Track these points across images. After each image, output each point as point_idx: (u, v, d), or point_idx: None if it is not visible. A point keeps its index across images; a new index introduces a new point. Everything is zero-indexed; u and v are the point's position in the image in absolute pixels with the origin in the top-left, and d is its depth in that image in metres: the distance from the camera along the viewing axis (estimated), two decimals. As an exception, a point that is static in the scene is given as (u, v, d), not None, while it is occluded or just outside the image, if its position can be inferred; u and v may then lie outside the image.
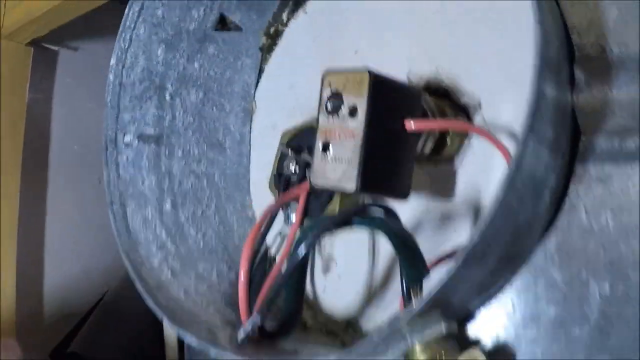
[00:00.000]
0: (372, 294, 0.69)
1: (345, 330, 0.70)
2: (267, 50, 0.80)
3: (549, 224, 0.53)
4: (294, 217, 0.70)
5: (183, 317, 0.63)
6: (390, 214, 0.52)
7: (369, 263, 0.69)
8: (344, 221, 0.50)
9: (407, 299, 0.52)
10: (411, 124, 0.55)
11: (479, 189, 0.62)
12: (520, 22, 0.60)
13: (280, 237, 0.72)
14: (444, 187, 0.64)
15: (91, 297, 1.20)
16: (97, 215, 1.22)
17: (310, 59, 0.77)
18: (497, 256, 0.49)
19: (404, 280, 0.52)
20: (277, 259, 0.68)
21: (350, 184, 0.53)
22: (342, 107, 0.54)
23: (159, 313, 0.61)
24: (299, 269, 0.51)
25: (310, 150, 0.70)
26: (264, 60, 0.81)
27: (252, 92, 0.81)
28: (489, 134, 0.57)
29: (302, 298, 0.57)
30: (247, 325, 0.54)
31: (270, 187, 0.75)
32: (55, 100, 1.36)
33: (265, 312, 0.52)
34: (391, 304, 0.67)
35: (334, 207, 0.69)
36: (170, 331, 0.98)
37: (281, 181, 0.72)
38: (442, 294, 0.46)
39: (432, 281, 0.59)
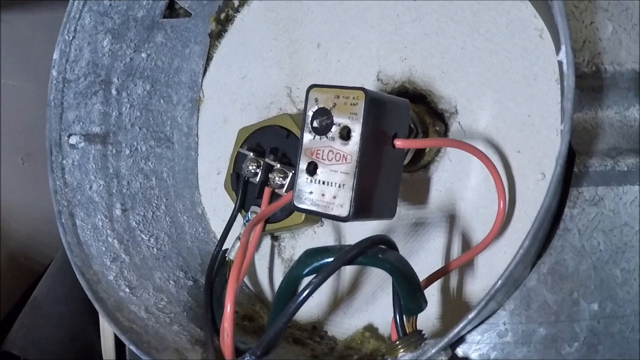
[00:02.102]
0: (338, 300, 0.67)
1: (311, 337, 0.68)
2: (216, 36, 0.75)
3: (543, 247, 0.53)
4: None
5: (149, 341, 0.59)
6: (391, 246, 0.50)
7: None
8: (349, 262, 0.47)
9: (401, 329, 0.50)
10: (401, 144, 0.52)
11: (454, 196, 0.61)
12: (498, 22, 0.58)
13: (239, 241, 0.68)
14: (418, 193, 0.63)
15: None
16: (21, 201, 1.12)
17: (265, 49, 0.72)
18: (505, 291, 0.48)
19: (398, 312, 0.50)
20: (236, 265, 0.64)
21: (342, 211, 0.50)
22: (333, 128, 0.50)
23: (126, 340, 0.57)
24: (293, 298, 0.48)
25: (274, 153, 0.67)
26: (212, 47, 0.75)
27: (200, 81, 0.76)
28: (474, 149, 0.55)
29: (288, 323, 0.54)
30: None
31: (226, 187, 0.71)
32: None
33: (258, 355, 0.49)
34: (358, 311, 0.66)
35: (299, 217, 0.66)
36: (106, 325, 0.93)
37: (239, 182, 0.68)
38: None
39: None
